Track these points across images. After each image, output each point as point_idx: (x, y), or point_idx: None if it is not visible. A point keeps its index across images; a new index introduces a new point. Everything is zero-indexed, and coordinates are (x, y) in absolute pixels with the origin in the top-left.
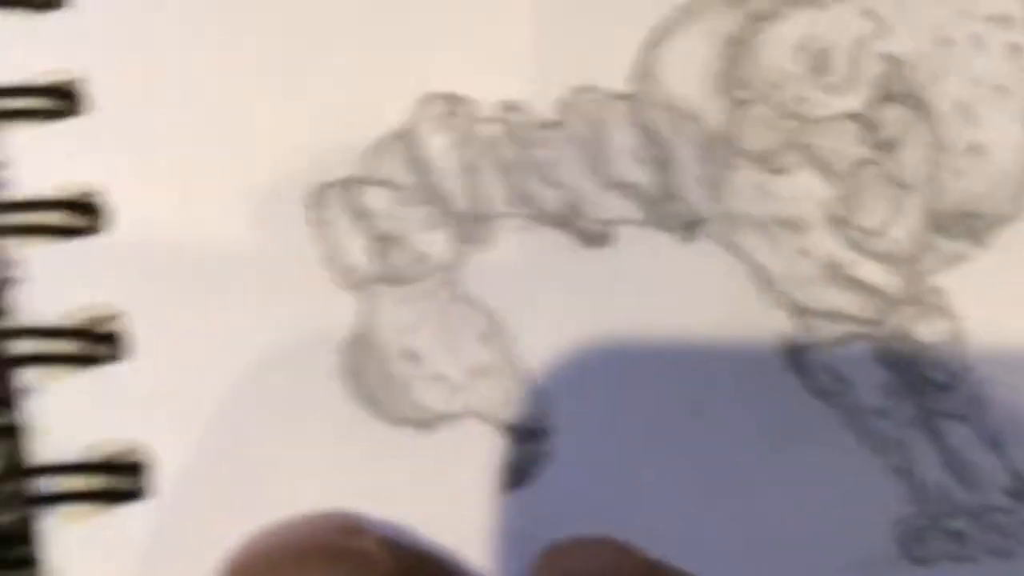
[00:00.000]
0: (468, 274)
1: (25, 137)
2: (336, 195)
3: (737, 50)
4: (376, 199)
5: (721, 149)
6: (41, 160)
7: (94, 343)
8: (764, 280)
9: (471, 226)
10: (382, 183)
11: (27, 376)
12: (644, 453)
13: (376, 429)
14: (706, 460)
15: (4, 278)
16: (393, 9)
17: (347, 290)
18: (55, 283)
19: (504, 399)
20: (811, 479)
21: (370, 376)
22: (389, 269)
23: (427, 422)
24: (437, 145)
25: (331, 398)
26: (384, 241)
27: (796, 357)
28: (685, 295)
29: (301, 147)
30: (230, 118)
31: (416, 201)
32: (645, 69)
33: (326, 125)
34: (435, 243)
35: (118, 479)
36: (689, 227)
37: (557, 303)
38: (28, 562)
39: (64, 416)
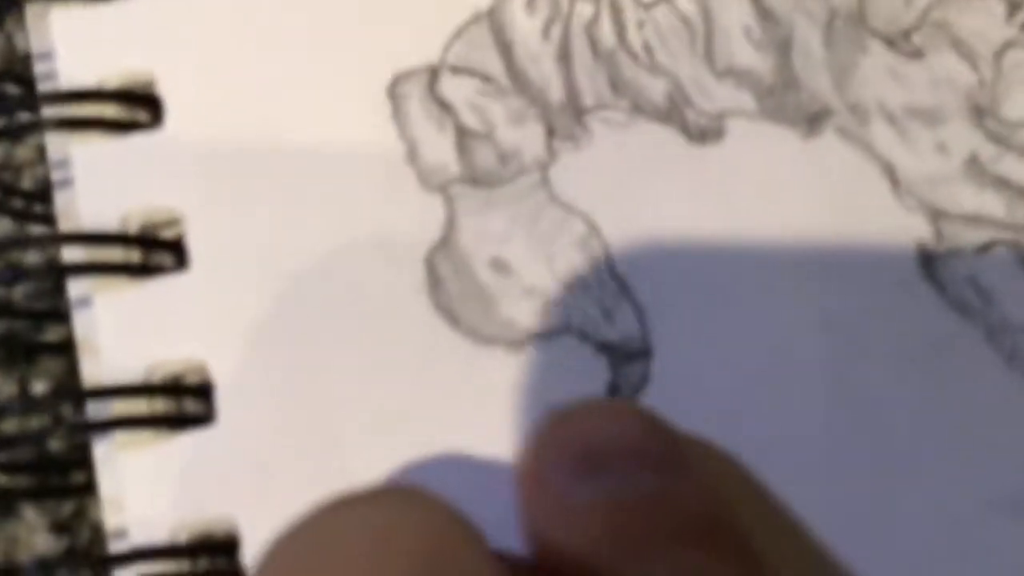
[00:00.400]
0: (562, 174)
1: (72, 20)
2: (417, 86)
3: None
4: (460, 89)
5: (849, 29)
6: (91, 46)
7: (152, 251)
8: (897, 180)
9: (565, 120)
10: (467, 71)
11: (80, 287)
12: (760, 375)
13: (462, 348)
14: (833, 380)
15: (55, 179)
16: None
17: (430, 192)
18: (109, 185)
19: (602, 315)
20: (950, 402)
21: (455, 289)
22: (475, 169)
23: (518, 341)
24: (527, 27)
25: (413, 313)
26: (469, 137)
27: (933, 266)
28: (807, 198)
29: (379, 33)
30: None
31: (504, 92)
32: None
33: (406, 8)
34: (526, 139)
35: (178, 403)
36: (812, 120)
37: (661, 207)
38: (82, 490)
39: (120, 333)
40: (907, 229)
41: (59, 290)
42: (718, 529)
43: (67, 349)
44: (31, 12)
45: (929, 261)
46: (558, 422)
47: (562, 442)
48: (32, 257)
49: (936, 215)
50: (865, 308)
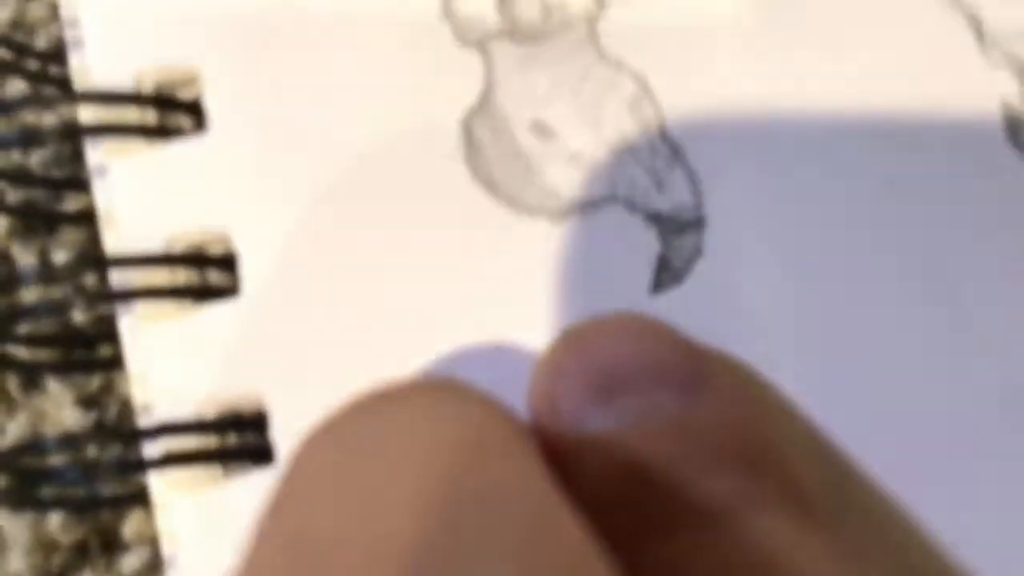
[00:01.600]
0: (612, 29)
1: None
2: None
3: None
4: None
5: None
6: None
7: (169, 112)
8: (982, 32)
9: None
10: None
11: (98, 154)
12: (825, 246)
13: (501, 217)
14: (901, 253)
15: (69, 38)
16: None
17: (467, 48)
18: (122, 42)
19: (653, 182)
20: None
21: (494, 154)
22: (516, 22)
23: (561, 210)
24: None
25: (449, 180)
26: None
27: (1018, 125)
28: (881, 54)
29: None
30: None
31: None
32: None
33: None
34: None
35: (202, 274)
36: None
37: (720, 65)
38: (109, 364)
39: (139, 201)
40: (992, 88)
41: (78, 158)
42: (753, 450)
43: (88, 219)
44: None
45: (1015, 125)
46: (570, 343)
47: (576, 367)
48: (48, 120)
49: (1023, 71)
50: (942, 176)
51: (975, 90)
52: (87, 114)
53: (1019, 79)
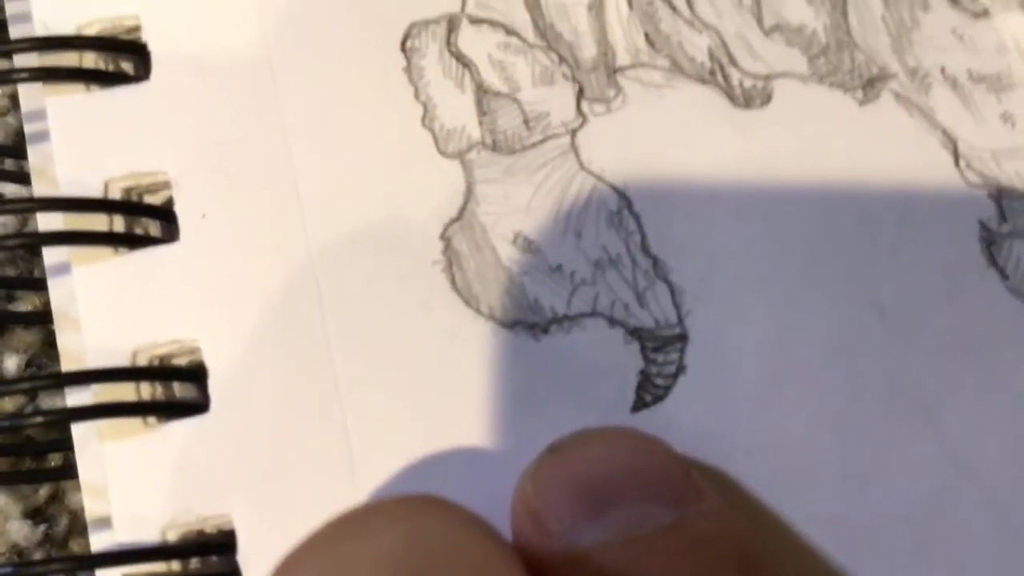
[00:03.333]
0: (593, 140)
1: None
2: (433, 38)
3: None
4: (481, 43)
5: None
6: None
7: (138, 218)
8: (959, 152)
9: (597, 79)
10: (489, 22)
11: (58, 254)
12: (806, 362)
13: (481, 331)
14: (884, 368)
15: (28, 132)
16: None
17: (447, 159)
18: (90, 143)
19: (634, 296)
20: (1009, 393)
21: (474, 266)
22: (497, 132)
23: (541, 324)
24: None
25: (428, 291)
26: (491, 96)
27: (995, 248)
28: (861, 168)
29: None
30: None
31: (530, 46)
32: None
33: None
34: (553, 100)
35: (168, 388)
36: (868, 84)
37: (701, 178)
38: (59, 473)
39: (103, 309)
40: (968, 207)
41: (34, 254)
42: (746, 562)
43: (41, 321)
44: None
45: (991, 242)
46: (557, 456)
47: (564, 480)
48: (2, 220)
49: (1000, 192)
50: (920, 292)
51: (952, 209)
52: (50, 220)
53: (995, 199)
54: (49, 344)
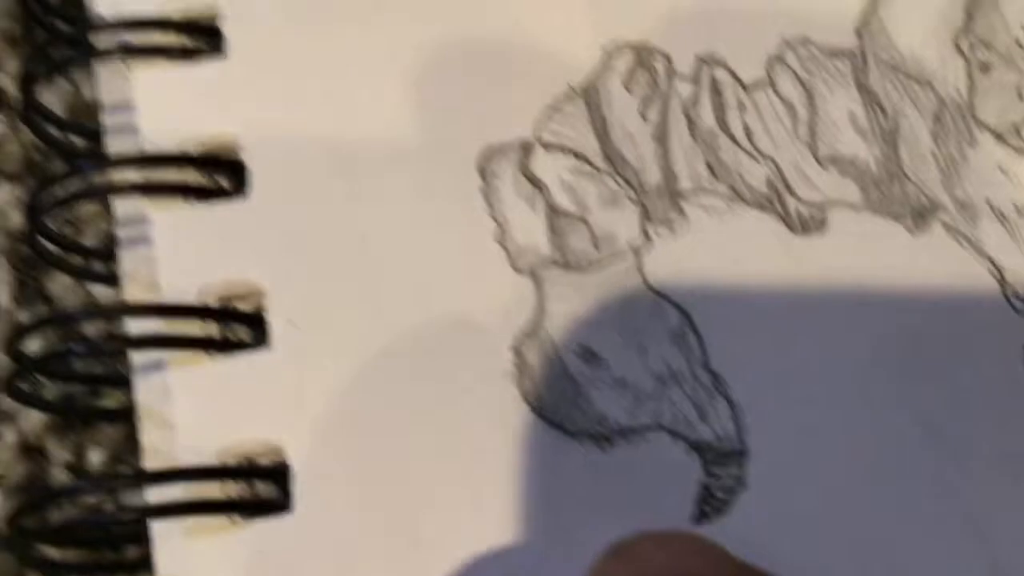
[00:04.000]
0: (657, 261)
1: (153, 79)
2: (509, 162)
3: (977, 2)
4: (553, 168)
5: (958, 120)
6: (174, 108)
7: (230, 325)
8: (1005, 281)
9: (662, 203)
10: (560, 149)
11: (148, 355)
12: (861, 478)
13: (548, 440)
14: (934, 484)
15: (122, 237)
16: None
17: (520, 274)
18: (188, 253)
19: (695, 411)
20: None
21: (543, 377)
22: (567, 251)
23: (606, 435)
24: (624, 105)
25: (499, 400)
26: (562, 218)
27: None
28: (912, 295)
29: (470, 106)
30: (384, 62)
31: (599, 171)
32: (870, 20)
33: (499, 81)
34: (620, 222)
35: (252, 486)
36: (918, 214)
37: (759, 299)
38: (137, 567)
39: (193, 410)
40: (1016, 332)
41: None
42: None
43: (126, 417)
44: (105, 68)
45: None
46: (620, 555)
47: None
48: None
49: None
50: (969, 413)
51: (999, 334)
52: (145, 324)
53: None
54: (131, 439)
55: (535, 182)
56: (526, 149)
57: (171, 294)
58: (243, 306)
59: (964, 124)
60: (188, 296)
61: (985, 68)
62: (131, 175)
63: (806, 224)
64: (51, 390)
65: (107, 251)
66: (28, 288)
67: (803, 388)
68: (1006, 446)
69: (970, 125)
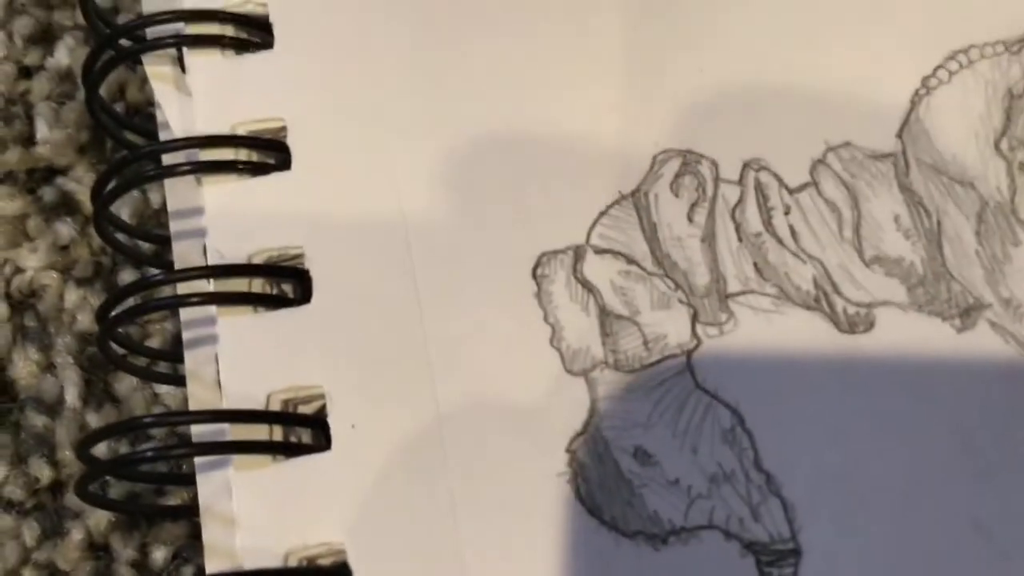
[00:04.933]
0: (707, 361)
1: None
2: (562, 266)
3: (1016, 104)
4: (604, 271)
5: (1000, 220)
6: (241, 219)
7: (294, 428)
8: None
9: (710, 304)
10: (611, 252)
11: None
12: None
13: (603, 539)
14: None
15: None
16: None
17: (573, 376)
18: (253, 359)
19: (749, 511)
20: None
21: (597, 477)
22: (618, 352)
23: (660, 535)
24: (672, 209)
25: (554, 499)
26: (613, 319)
27: None
28: (961, 393)
29: (524, 212)
30: (445, 174)
31: (648, 274)
32: (912, 124)
33: (550, 188)
34: (670, 323)
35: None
36: (965, 313)
37: (810, 398)
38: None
39: (258, 512)
40: None
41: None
42: None
43: (188, 514)
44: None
45: None
46: None
47: None
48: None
49: None
50: (1020, 514)
51: None
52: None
53: None
54: (194, 536)
55: (587, 286)
56: (578, 254)
57: (235, 398)
58: (306, 409)
59: (1007, 223)
60: (253, 401)
61: None
62: (200, 284)
63: (854, 323)
64: (117, 488)
65: (173, 353)
66: (95, 388)
67: (854, 487)
68: None
69: (1012, 224)
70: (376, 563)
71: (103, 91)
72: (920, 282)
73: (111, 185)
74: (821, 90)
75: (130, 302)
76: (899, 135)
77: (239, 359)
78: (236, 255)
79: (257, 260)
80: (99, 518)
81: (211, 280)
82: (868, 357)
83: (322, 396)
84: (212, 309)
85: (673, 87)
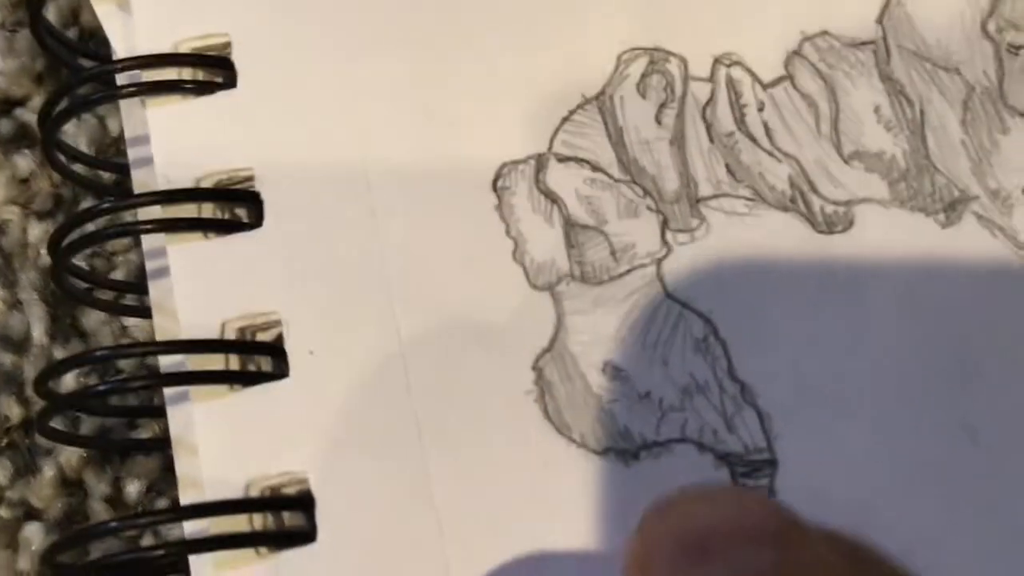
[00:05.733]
0: (678, 269)
1: (168, 117)
2: (523, 177)
3: None
4: (569, 180)
5: (988, 107)
6: (189, 145)
7: (251, 356)
8: None
9: (681, 210)
10: (575, 160)
11: (177, 389)
12: (898, 488)
13: (572, 457)
14: (978, 494)
15: (149, 269)
16: None
17: (538, 291)
18: (207, 286)
19: (723, 422)
20: None
21: (565, 395)
22: (585, 264)
23: (631, 450)
24: (639, 111)
25: (521, 418)
26: (579, 230)
27: None
28: (945, 293)
29: (482, 123)
30: (395, 86)
31: (615, 181)
32: (893, 8)
33: (509, 96)
34: (638, 231)
35: (279, 517)
36: (950, 207)
37: (786, 303)
38: None
39: (219, 442)
40: None
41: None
42: None
43: (161, 446)
44: (127, 105)
45: None
46: (662, 511)
47: (670, 531)
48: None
49: None
50: (1010, 413)
51: None
52: (170, 359)
53: None
54: (168, 469)
55: (550, 196)
56: (540, 163)
57: (190, 328)
58: (263, 337)
59: (995, 110)
60: (209, 329)
61: (1015, 50)
62: (152, 211)
63: (832, 223)
64: (88, 424)
65: (138, 285)
66: (62, 324)
67: (835, 393)
68: None
69: (1000, 111)
70: (341, 491)
71: (56, 18)
72: (902, 176)
73: (56, 111)
74: None
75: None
76: (879, 20)
77: (192, 288)
78: (184, 179)
79: (206, 184)
80: (70, 455)
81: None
82: (848, 258)
83: (279, 323)
84: (166, 242)
85: None
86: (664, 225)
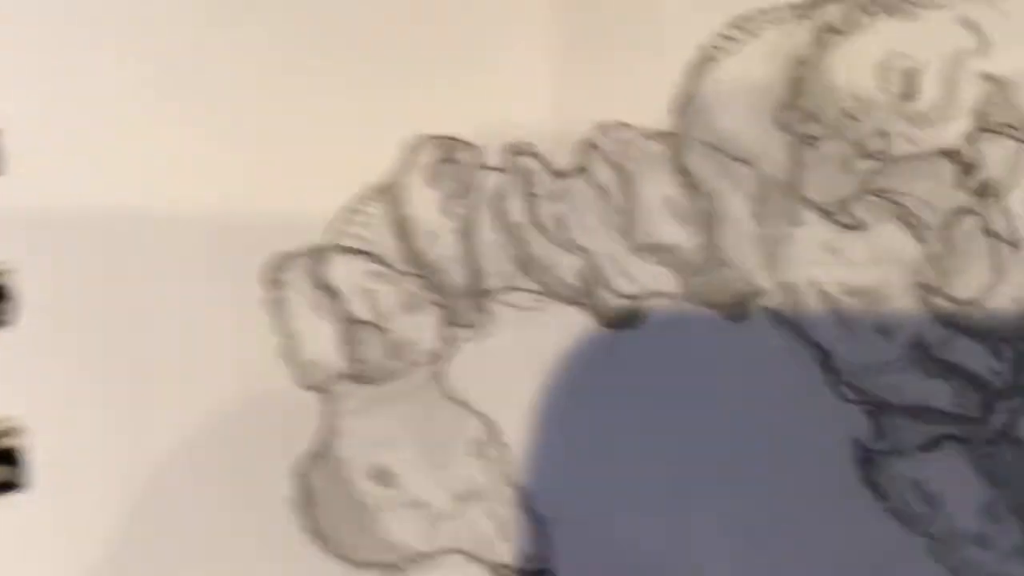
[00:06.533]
0: (460, 368)
1: None
2: (299, 269)
3: (803, 72)
4: (348, 272)
5: (781, 200)
6: None
7: None
8: (832, 368)
9: (466, 305)
10: (357, 252)
11: None
12: None
13: (331, 573)
14: None
15: None
16: (378, 40)
17: (307, 390)
18: None
19: (498, 532)
20: None
21: (329, 504)
22: (361, 363)
23: (396, 564)
24: (427, 201)
25: (279, 529)
26: (357, 326)
27: (871, 467)
28: (733, 388)
29: (258, 211)
30: (175, 174)
31: (398, 274)
32: (688, 100)
33: (288, 183)
34: (420, 328)
35: None
36: (739, 302)
37: (572, 401)
38: None
39: None
40: (843, 425)
41: None
42: None
43: None
44: None
45: (866, 461)
46: None
47: None
48: None
49: (876, 407)
50: (795, 518)
51: (826, 428)
52: None
53: (870, 416)
54: None
55: (327, 290)
56: (317, 256)
57: None
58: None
59: (788, 203)
60: None
61: (809, 142)
62: None
63: (622, 318)
64: None
65: None
66: None
67: (617, 497)
68: (833, 554)
69: (794, 203)
70: None
71: None
72: (694, 270)
73: None
74: (591, 66)
75: None
76: (675, 111)
77: None
78: None
79: None
80: None
81: None
82: (637, 352)
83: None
84: None
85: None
86: (448, 320)
